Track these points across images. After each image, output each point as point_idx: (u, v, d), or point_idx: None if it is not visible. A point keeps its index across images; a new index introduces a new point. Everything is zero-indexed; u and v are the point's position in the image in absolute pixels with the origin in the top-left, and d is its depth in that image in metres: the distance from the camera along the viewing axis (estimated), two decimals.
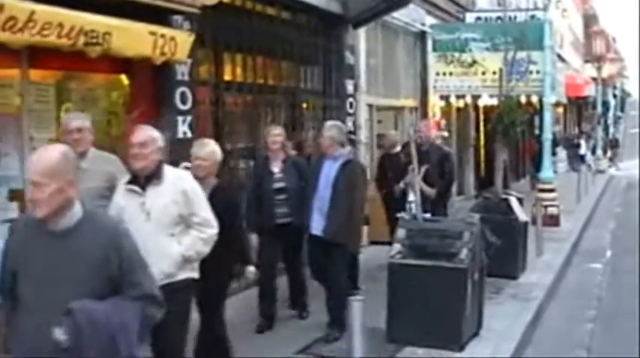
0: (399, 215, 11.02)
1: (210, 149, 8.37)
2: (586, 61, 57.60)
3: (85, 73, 9.88)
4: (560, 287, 13.59)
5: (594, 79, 50.61)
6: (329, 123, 10.69)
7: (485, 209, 13.13)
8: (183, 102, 10.69)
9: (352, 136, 15.68)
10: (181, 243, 6.80)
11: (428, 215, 11.18)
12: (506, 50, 17.57)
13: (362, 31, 16.53)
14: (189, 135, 10.75)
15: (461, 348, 9.18)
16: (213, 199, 7.50)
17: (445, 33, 21.58)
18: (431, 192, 12.29)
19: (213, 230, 7.02)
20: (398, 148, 13.89)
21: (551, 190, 19.91)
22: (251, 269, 8.65)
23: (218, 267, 7.53)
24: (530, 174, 28.58)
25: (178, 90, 10.61)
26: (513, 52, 17.29)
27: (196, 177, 7.48)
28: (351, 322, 6.28)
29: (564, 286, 13.79)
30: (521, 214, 13.83)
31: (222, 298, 8.29)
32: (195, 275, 7.03)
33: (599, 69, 51.26)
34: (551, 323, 11.31)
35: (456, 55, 21.27)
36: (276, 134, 10.62)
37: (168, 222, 6.75)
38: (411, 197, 11.82)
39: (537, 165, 23.94)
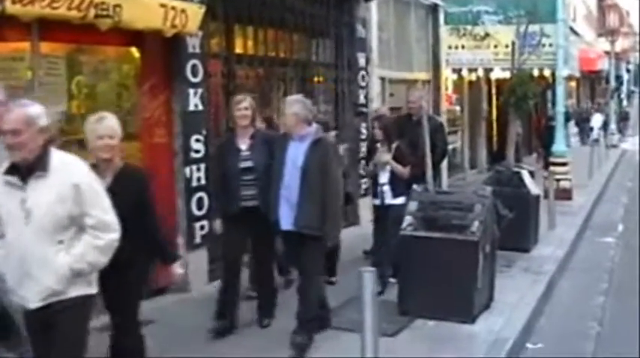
0: (374, 202, 11.01)
1: (112, 123, 6.73)
2: (599, 35, 57.21)
3: (95, 46, 9.87)
4: (572, 260, 13.56)
5: (607, 53, 50.30)
6: (291, 98, 9.11)
7: (497, 182, 13.11)
8: (195, 74, 10.67)
9: (364, 109, 15.66)
10: (70, 253, 5.51)
11: (401, 199, 10.42)
12: (519, 23, 17.46)
13: (374, 4, 16.46)
14: (200, 107, 10.76)
15: (472, 320, 9.18)
16: (118, 186, 6.47)
17: (457, 6, 21.48)
18: (402, 171, 10.62)
19: (112, 234, 5.67)
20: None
21: (564, 164, 19.84)
22: (177, 269, 7.10)
23: (128, 270, 6.42)
24: (537, 150, 28.40)
25: (189, 63, 10.59)
26: (526, 25, 17.18)
27: (100, 160, 6.56)
28: (362, 294, 6.26)
29: (576, 259, 13.76)
30: (534, 187, 13.80)
31: (134, 307, 6.86)
32: (93, 290, 5.77)
33: (612, 43, 50.93)
34: (562, 296, 11.30)
35: (468, 28, 21.20)
36: (244, 107, 9.03)
37: (54, 226, 5.46)
38: (382, 178, 10.72)
39: (546, 143, 23.92)
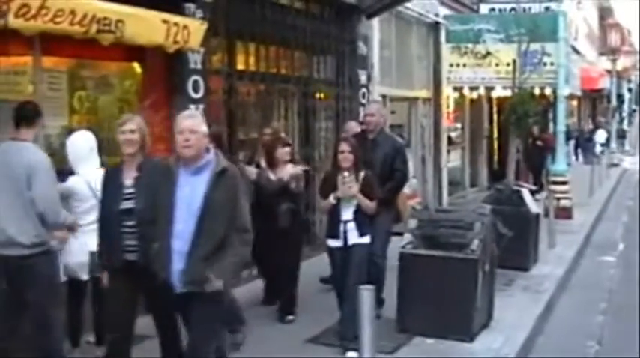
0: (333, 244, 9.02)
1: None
2: (601, 54, 57.35)
3: (97, 61, 9.93)
4: (571, 279, 13.56)
5: (609, 72, 50.45)
6: (183, 114, 6.97)
7: (497, 201, 13.11)
8: (196, 90, 10.69)
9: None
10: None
11: (367, 238, 8.95)
12: (520, 42, 17.53)
13: (375, 22, 16.51)
14: None
15: (471, 339, 9.17)
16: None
17: (459, 24, 21.54)
18: (370, 206, 8.91)
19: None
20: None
21: (564, 183, 19.85)
22: None
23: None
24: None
25: (191, 79, 10.62)
26: (527, 44, 17.24)
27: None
28: (361, 311, 6.26)
29: (576, 278, 13.76)
30: (534, 206, 13.81)
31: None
32: None
33: (613, 61, 51.11)
34: (562, 315, 11.29)
35: (470, 46, 21.24)
36: (129, 129, 7.08)
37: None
38: (345, 215, 8.83)
39: (534, 163, 24.14)
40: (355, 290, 7.17)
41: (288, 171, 10.16)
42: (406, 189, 16.77)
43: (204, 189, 6.29)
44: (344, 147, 8.90)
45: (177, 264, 6.32)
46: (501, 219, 11.13)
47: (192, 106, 10.61)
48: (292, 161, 10.40)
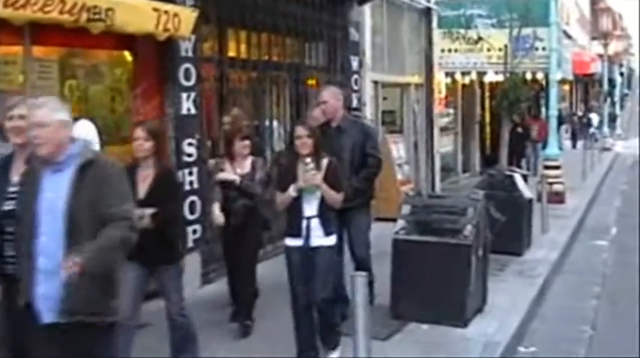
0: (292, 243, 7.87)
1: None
2: (593, 38, 57.37)
3: (88, 50, 9.88)
4: (565, 263, 13.58)
5: (601, 56, 50.49)
6: (33, 103, 5.60)
7: (489, 186, 13.11)
8: (187, 78, 10.66)
9: (357, 113, 15.65)
10: None
11: (333, 239, 7.82)
12: (512, 26, 17.53)
13: (367, 8, 16.47)
14: (193, 111, 10.74)
15: (465, 324, 9.17)
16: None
17: (450, 9, 21.56)
18: (336, 198, 7.76)
19: None
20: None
21: (557, 167, 19.87)
22: None
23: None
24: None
25: (182, 67, 10.58)
26: (519, 29, 17.24)
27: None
28: (355, 298, 6.25)
29: (569, 263, 13.77)
30: (526, 191, 13.81)
31: None
32: None
33: (605, 46, 51.15)
34: (555, 300, 11.30)
35: (462, 31, 21.30)
36: (18, 115, 5.85)
37: None
38: (308, 210, 7.65)
39: (515, 150, 23.64)
40: (325, 304, 7.70)
41: (248, 165, 9.18)
42: (399, 175, 16.93)
43: (66, 191, 5.12)
44: (300, 131, 7.68)
45: (43, 287, 5.12)
46: (494, 204, 11.16)
47: (183, 94, 10.59)
48: (252, 154, 9.30)
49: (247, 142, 9.21)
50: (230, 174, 9.10)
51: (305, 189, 7.56)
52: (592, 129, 40.72)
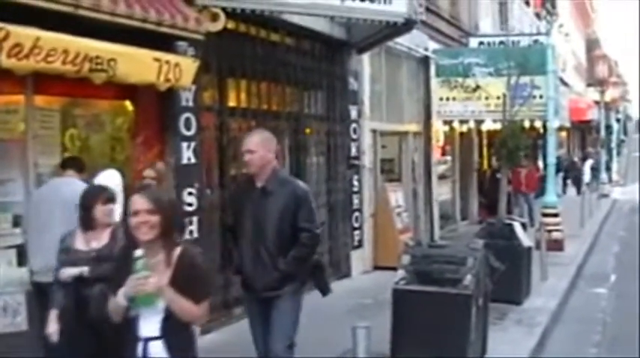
0: None
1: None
2: (589, 85, 57.67)
3: (89, 99, 9.96)
4: (564, 311, 13.55)
5: (597, 103, 50.62)
6: None
7: (489, 234, 13.11)
8: (188, 128, 10.71)
9: (356, 161, 15.72)
10: None
11: None
12: (510, 75, 17.56)
13: (366, 56, 16.57)
14: (193, 160, 10.77)
15: None
16: None
17: (448, 58, 21.64)
18: (191, 313, 4.97)
19: None
20: None
21: (555, 215, 19.88)
22: None
23: None
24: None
25: (183, 116, 10.64)
26: (516, 77, 17.28)
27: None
28: (356, 348, 6.26)
29: (569, 311, 13.75)
30: (525, 239, 13.81)
31: None
32: None
33: (602, 93, 51.26)
34: (555, 348, 11.27)
35: (460, 79, 21.33)
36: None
37: None
38: (145, 327, 4.95)
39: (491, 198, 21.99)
40: None
41: (106, 236, 7.01)
42: (398, 224, 16.94)
43: None
44: (138, 203, 4.89)
45: None
46: (494, 252, 11.15)
47: (184, 144, 10.64)
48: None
49: (111, 206, 7.12)
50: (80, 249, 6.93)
51: (138, 299, 4.82)
52: (586, 179, 40.65)
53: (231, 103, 12.50)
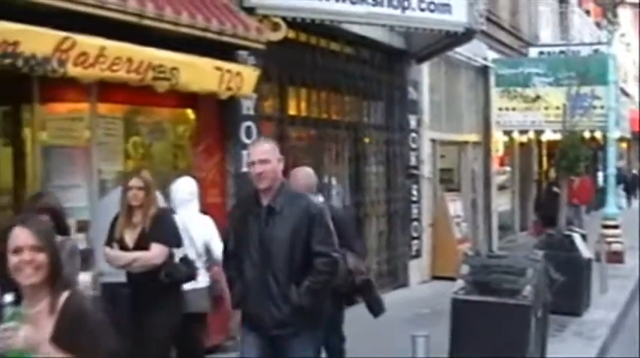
0: None
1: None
2: None
3: (152, 107, 10.06)
4: (624, 324, 13.41)
5: None
6: None
7: (548, 246, 13.02)
8: (248, 136, 10.78)
9: (415, 171, 15.71)
10: None
11: None
12: (570, 85, 17.47)
13: (425, 66, 16.57)
14: None
15: None
16: None
17: (508, 67, 21.54)
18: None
19: None
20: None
21: (615, 226, 19.69)
22: None
23: None
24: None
25: (244, 125, 10.73)
26: (577, 87, 17.18)
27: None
28: (415, 357, 6.27)
29: (629, 323, 13.60)
30: (585, 251, 13.71)
31: None
32: None
33: None
34: None
35: (519, 89, 21.21)
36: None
37: None
38: None
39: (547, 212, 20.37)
40: None
41: None
42: (456, 234, 16.90)
43: None
44: (21, 238, 3.80)
45: None
46: (553, 264, 11.08)
47: (244, 152, 10.69)
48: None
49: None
50: None
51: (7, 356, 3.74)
52: None
53: (292, 112, 12.58)
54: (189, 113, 10.47)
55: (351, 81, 14.00)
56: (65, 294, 3.84)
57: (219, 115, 10.50)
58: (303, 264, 6.24)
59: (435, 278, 15.95)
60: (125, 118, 9.80)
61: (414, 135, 15.95)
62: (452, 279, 10.44)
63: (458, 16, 13.40)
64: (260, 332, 6.35)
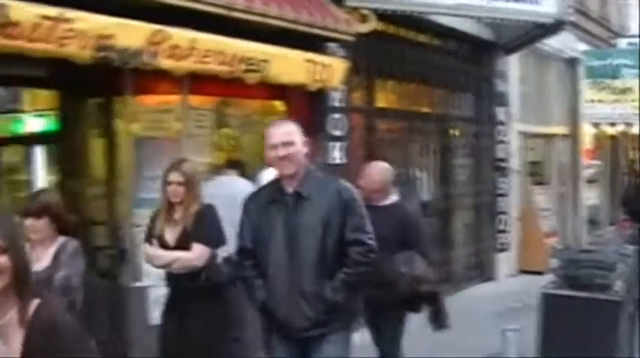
0: None
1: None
2: None
3: (241, 99, 10.12)
4: None
5: None
6: None
7: (639, 241, 12.83)
8: (338, 128, 10.81)
9: (503, 164, 15.59)
10: None
11: None
12: None
13: (514, 58, 16.41)
14: (342, 161, 10.84)
15: None
16: None
17: (596, 59, 21.24)
18: None
19: None
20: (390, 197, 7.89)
21: None
22: None
23: None
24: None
25: (332, 117, 10.75)
26: None
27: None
28: (506, 351, 6.24)
29: None
30: None
31: None
32: None
33: None
34: None
35: (608, 81, 20.91)
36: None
37: None
38: None
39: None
40: None
41: (49, 255, 5.98)
42: (544, 227, 16.75)
43: None
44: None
45: None
46: None
47: (333, 144, 10.74)
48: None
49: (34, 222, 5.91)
50: None
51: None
52: None
53: (380, 104, 12.58)
54: (279, 105, 10.51)
55: (438, 73, 13.94)
56: (35, 302, 3.26)
57: (307, 107, 10.51)
58: (336, 255, 5.62)
59: (522, 272, 15.82)
60: (215, 110, 9.89)
61: (502, 127, 15.82)
62: (539, 273, 10.35)
63: (547, 7, 13.26)
64: (289, 338, 5.73)
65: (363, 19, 10.69)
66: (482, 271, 15.33)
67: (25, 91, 10.73)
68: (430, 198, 13.78)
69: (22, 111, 10.83)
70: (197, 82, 8.74)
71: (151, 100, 9.27)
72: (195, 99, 9.34)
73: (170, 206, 6.80)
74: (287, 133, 5.77)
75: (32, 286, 3.29)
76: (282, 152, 5.63)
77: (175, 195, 6.72)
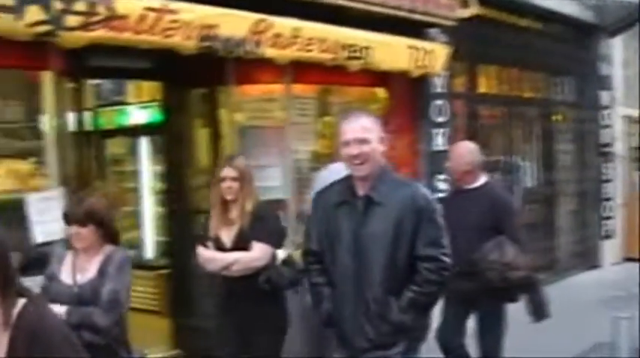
0: None
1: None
2: None
3: (343, 87, 10.10)
4: None
5: None
6: None
7: None
8: (440, 114, 10.74)
9: (607, 149, 15.33)
10: None
11: None
12: None
13: (618, 40, 16.10)
14: (445, 147, 10.77)
15: None
16: None
17: None
18: None
19: None
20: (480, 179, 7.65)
21: None
22: None
23: None
24: None
25: (435, 103, 10.69)
26: None
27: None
28: (616, 339, 6.14)
29: None
30: None
31: None
32: None
33: None
34: None
35: None
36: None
37: None
38: None
39: None
40: None
41: (94, 266, 5.43)
42: None
43: None
44: None
45: None
46: None
47: (435, 130, 10.68)
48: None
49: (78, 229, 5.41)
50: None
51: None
52: None
53: (482, 90, 12.48)
54: (381, 92, 10.46)
55: (540, 57, 13.74)
56: (20, 304, 3.04)
57: (410, 94, 10.47)
58: (406, 269, 5.00)
59: (627, 259, 15.54)
60: (317, 98, 9.89)
61: (606, 111, 15.53)
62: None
63: None
64: (349, 355, 5.22)
65: (465, 3, 10.59)
66: (587, 259, 15.11)
67: (129, 83, 10.90)
68: (534, 185, 13.62)
69: (127, 103, 10.99)
70: (300, 70, 8.74)
71: (254, 90, 9.30)
72: (298, 88, 9.33)
73: (224, 205, 6.42)
74: (362, 129, 5.11)
75: (17, 285, 3.09)
76: (355, 150, 5.04)
77: (230, 191, 6.35)
